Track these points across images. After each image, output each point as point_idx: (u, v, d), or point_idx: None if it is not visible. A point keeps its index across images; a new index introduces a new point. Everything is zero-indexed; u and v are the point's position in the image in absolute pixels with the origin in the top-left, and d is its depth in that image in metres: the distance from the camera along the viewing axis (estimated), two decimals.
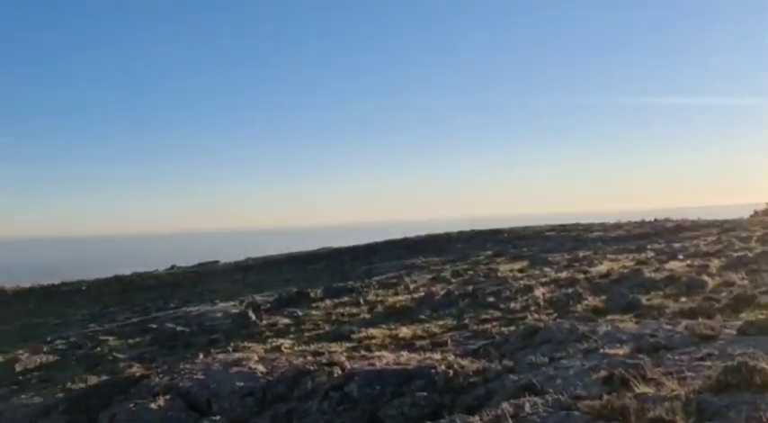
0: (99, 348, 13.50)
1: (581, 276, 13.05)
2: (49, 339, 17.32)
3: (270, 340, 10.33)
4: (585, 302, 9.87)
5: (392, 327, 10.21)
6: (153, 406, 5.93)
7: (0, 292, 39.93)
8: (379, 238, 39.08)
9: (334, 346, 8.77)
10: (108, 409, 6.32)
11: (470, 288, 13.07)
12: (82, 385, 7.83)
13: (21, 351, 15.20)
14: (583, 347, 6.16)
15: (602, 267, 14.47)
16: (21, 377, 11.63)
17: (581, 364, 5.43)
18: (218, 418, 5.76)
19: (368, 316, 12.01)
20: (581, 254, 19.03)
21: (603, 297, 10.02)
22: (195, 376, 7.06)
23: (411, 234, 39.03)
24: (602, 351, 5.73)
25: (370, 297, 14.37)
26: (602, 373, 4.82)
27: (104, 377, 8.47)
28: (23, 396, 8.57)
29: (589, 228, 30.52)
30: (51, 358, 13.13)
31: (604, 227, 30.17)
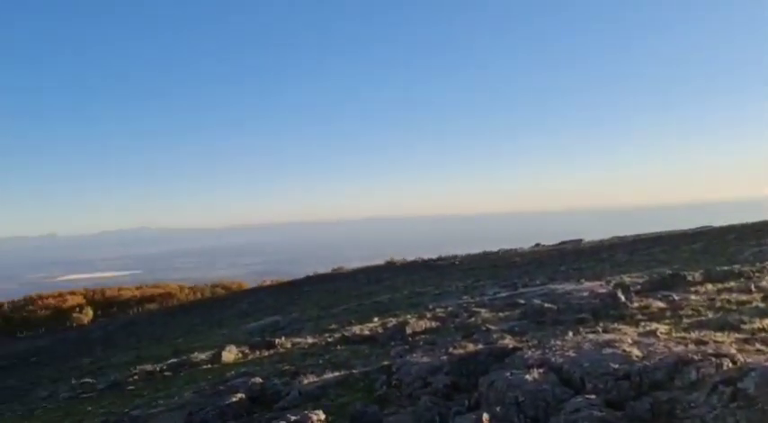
0: (473, 319, 14.55)
1: None
2: (430, 307, 19.41)
3: (642, 324, 9.70)
4: None
5: None
6: (528, 377, 6.09)
7: (390, 265, 46.39)
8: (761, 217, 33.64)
9: (721, 336, 7.77)
10: (487, 375, 6.71)
11: None
12: (461, 351, 8.49)
13: (409, 316, 17.37)
14: None
15: None
16: (410, 339, 13.27)
17: None
18: (593, 397, 5.62)
19: (762, 305, 10.36)
20: None
21: None
22: (566, 353, 7.02)
23: None
24: None
25: (764, 283, 12.38)
26: None
27: (480, 346, 9.03)
28: (414, 355, 9.73)
29: None
30: (433, 324, 14.65)
31: None
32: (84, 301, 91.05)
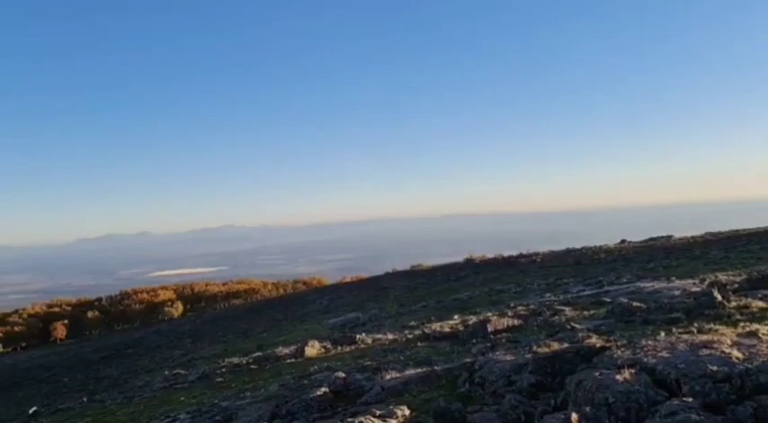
0: (556, 317, 14.20)
1: None
2: (511, 305, 19.10)
3: (741, 324, 9.14)
4: None
5: None
6: (618, 378, 5.85)
7: (469, 262, 46.01)
8: None
9: None
10: (574, 374, 6.50)
11: None
12: (546, 350, 8.28)
13: (490, 314, 17.16)
14: None
15: None
16: (492, 336, 13.11)
17: None
18: (690, 400, 5.33)
19: None
20: None
21: None
22: (659, 354, 6.71)
23: None
24: None
25: None
26: None
27: (565, 344, 8.78)
28: (497, 353, 9.58)
29: None
30: (515, 322, 14.39)
31: None
32: (174, 295, 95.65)
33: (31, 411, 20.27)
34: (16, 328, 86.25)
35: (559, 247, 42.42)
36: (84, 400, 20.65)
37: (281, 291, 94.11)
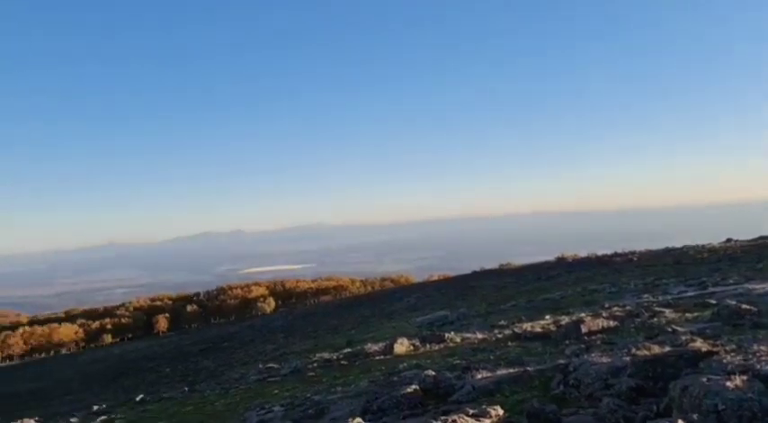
0: (655, 319, 13.56)
1: None
2: (606, 305, 18.41)
3: None
4: None
5: None
6: (728, 384, 5.48)
7: (561, 261, 44.83)
8: None
9: None
10: (678, 379, 6.16)
11: None
12: (646, 352, 7.90)
13: (583, 314, 16.60)
14: None
15: None
16: (586, 338, 12.67)
17: None
18: None
19: None
20: None
21: None
22: None
23: None
24: None
25: None
26: None
27: (667, 348, 8.35)
28: (592, 355, 9.24)
29: None
30: (611, 323, 13.84)
31: None
32: (267, 292, 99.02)
33: (138, 399, 21.54)
34: (123, 320, 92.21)
35: (657, 245, 40.55)
36: (186, 389, 21.72)
37: (369, 288, 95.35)
